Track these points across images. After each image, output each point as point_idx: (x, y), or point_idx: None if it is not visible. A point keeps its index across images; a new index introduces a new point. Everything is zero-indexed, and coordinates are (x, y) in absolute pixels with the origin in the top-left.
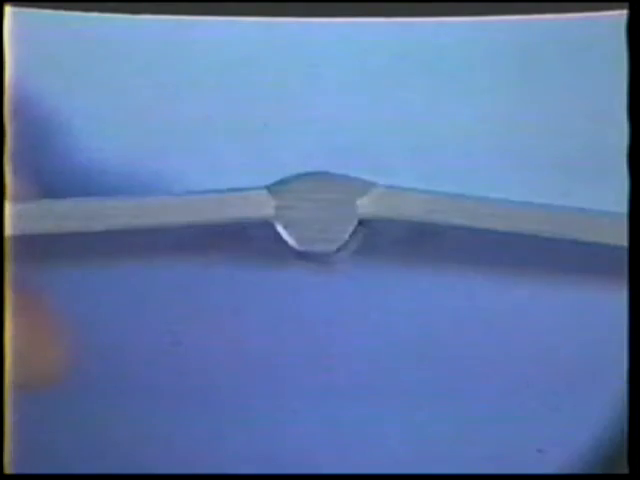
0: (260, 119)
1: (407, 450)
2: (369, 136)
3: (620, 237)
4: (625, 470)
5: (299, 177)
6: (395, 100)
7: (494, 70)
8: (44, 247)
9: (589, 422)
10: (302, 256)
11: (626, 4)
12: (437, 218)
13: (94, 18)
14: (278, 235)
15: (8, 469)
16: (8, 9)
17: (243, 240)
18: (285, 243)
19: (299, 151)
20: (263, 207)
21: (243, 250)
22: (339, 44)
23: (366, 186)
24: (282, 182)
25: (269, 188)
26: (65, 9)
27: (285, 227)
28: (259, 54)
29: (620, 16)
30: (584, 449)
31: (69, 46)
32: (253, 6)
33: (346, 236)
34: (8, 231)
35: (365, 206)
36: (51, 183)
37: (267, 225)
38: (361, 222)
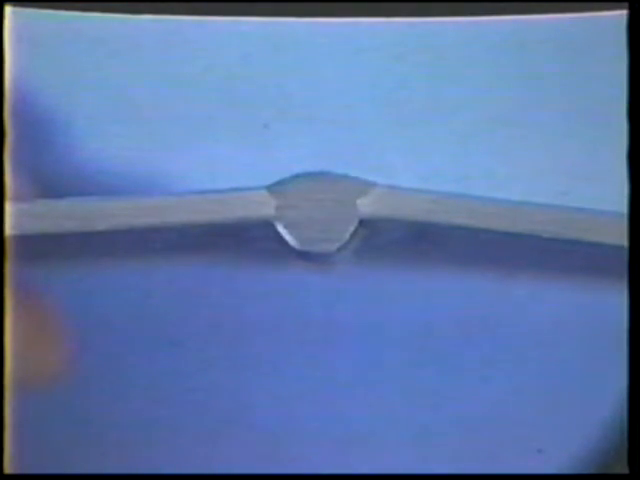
0: (260, 119)
1: (407, 450)
2: (369, 136)
3: (620, 237)
4: (625, 470)
5: (299, 177)
6: (395, 100)
7: (494, 70)
8: (44, 247)
9: (589, 422)
10: (302, 256)
11: (626, 4)
12: (437, 218)
13: (94, 18)
14: (278, 235)
15: (8, 469)
16: (8, 9)
17: (243, 240)
18: (285, 243)
19: (299, 151)
20: (263, 207)
21: (243, 250)
22: (339, 44)
23: (366, 186)
24: (282, 182)
25: (269, 188)
26: (65, 9)
27: (285, 227)
28: (259, 54)
29: (620, 16)
30: (584, 449)
31: (69, 46)
32: (253, 6)
33: (347, 236)
34: (8, 231)
35: (365, 206)
36: (51, 183)
37: (267, 225)
38: (361, 222)
